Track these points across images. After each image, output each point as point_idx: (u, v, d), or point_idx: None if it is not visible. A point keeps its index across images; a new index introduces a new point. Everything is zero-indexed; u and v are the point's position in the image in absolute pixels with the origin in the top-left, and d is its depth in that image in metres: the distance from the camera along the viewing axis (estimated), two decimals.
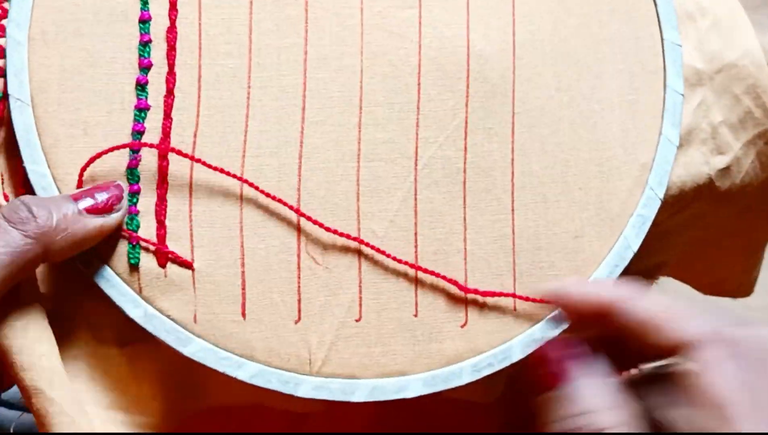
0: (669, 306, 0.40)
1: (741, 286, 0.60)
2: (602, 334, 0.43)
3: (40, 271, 0.43)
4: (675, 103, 0.49)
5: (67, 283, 0.44)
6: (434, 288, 0.45)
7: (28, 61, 0.44)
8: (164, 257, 0.43)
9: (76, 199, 0.42)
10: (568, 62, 0.48)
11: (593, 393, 0.40)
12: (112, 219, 0.42)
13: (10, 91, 0.43)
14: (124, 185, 0.43)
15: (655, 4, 0.49)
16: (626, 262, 0.47)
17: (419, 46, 0.46)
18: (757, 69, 0.52)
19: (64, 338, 0.43)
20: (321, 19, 0.46)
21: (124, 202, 0.43)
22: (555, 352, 0.43)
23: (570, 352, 0.43)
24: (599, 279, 0.46)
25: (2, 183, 0.44)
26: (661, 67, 0.49)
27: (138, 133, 0.44)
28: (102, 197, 0.42)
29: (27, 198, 0.41)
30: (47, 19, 0.44)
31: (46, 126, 0.43)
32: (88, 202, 0.42)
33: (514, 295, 0.46)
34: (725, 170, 0.51)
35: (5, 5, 0.44)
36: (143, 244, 0.43)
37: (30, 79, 0.43)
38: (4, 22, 0.44)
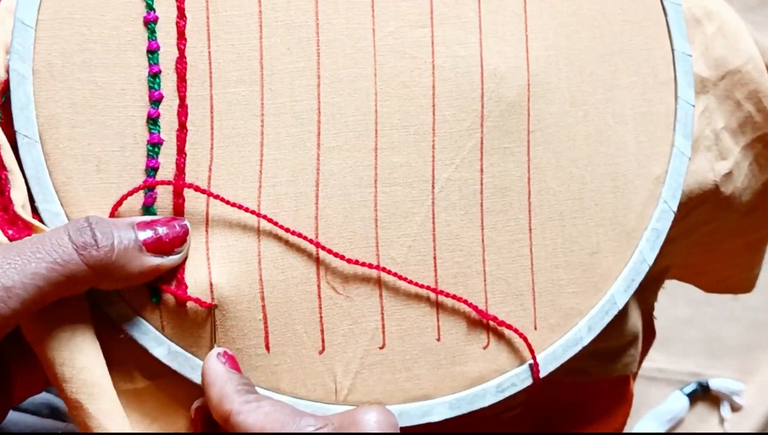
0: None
1: (744, 283, 0.61)
2: None
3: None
4: (687, 115, 0.49)
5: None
6: (455, 311, 0.45)
7: (34, 95, 0.42)
8: (183, 296, 0.42)
9: (140, 228, 0.41)
10: (582, 76, 0.47)
11: None
12: (171, 260, 0.42)
13: (16, 127, 0.42)
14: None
15: (665, 14, 0.49)
16: (642, 277, 0.48)
17: (432, 67, 0.45)
18: (760, 74, 0.52)
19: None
20: (333, 42, 0.45)
21: (187, 245, 0.42)
22: None
23: None
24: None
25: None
26: (672, 77, 0.49)
27: (152, 169, 0.43)
28: (166, 234, 0.41)
29: (93, 219, 0.40)
30: (52, 50, 0.42)
31: (58, 163, 0.42)
32: (149, 236, 0.41)
33: (520, 335, 0.46)
34: (728, 175, 0.52)
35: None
36: (162, 282, 0.42)
37: (37, 114, 0.42)
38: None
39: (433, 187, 0.45)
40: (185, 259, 0.43)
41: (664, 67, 0.49)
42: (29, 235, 0.40)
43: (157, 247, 0.41)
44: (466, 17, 0.46)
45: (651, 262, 0.48)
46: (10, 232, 0.40)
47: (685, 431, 0.92)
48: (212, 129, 0.43)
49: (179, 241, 0.42)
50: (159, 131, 0.43)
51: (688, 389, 0.93)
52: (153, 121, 0.43)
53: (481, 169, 0.46)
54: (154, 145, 0.43)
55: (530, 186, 0.46)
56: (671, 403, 0.92)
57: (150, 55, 0.43)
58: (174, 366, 0.42)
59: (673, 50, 0.49)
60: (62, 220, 0.42)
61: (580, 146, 0.47)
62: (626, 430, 0.56)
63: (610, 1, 0.48)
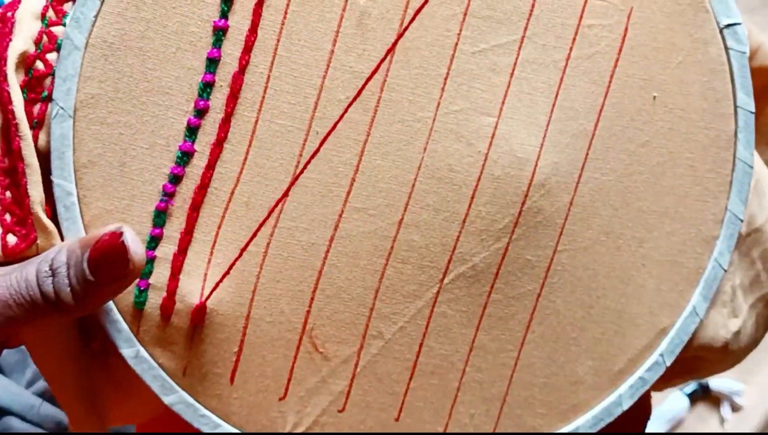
0: None
1: None
2: None
3: None
4: (715, 277, 0.47)
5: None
6: (424, 398, 0.45)
7: (80, 68, 0.40)
8: (169, 311, 0.42)
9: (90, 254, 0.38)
10: (628, 210, 0.46)
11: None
12: (126, 279, 0.38)
13: (55, 96, 0.40)
14: (147, 226, 0.41)
15: (733, 170, 0.47)
16: (611, 419, 0.47)
17: (485, 159, 0.44)
18: None
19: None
20: (394, 103, 0.43)
21: (137, 258, 0.38)
22: None
23: None
24: None
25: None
26: (715, 236, 0.47)
27: (175, 176, 0.41)
28: (105, 265, 0.38)
29: (57, 264, 0.38)
30: (113, 28, 0.40)
31: (84, 143, 0.41)
32: (96, 271, 0.38)
33: None
34: (737, 333, 0.51)
35: (66, 6, 0.41)
36: (151, 291, 0.42)
37: (78, 89, 0.40)
38: (56, 29, 0.40)
39: (443, 277, 0.44)
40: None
41: (712, 224, 0.47)
42: (34, 239, 0.39)
43: (104, 275, 0.38)
44: (536, 118, 0.44)
45: (626, 407, 0.47)
46: (15, 238, 0.39)
47: (685, 431, 0.92)
48: (247, 154, 0.42)
49: (122, 263, 0.38)
50: (194, 141, 0.41)
51: (688, 389, 0.92)
52: (191, 130, 0.41)
53: (497, 274, 0.45)
54: (185, 154, 0.41)
55: (538, 302, 0.46)
56: (671, 403, 0.92)
57: (208, 62, 0.41)
58: (137, 370, 0.42)
59: (726, 210, 0.47)
60: (73, 200, 0.41)
61: (601, 278, 0.46)
62: None
63: (681, 142, 0.46)
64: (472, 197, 0.44)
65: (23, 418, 0.59)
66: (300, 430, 0.44)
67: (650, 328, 0.47)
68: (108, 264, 0.38)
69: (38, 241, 0.40)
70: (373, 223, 0.43)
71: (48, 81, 0.41)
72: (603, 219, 0.46)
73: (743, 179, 0.47)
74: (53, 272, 0.38)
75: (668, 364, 0.48)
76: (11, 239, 0.40)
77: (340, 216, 0.43)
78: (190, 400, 0.43)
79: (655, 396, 0.91)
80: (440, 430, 0.46)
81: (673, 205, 0.47)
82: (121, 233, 0.38)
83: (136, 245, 0.38)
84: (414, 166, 0.43)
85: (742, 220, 0.48)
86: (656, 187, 0.46)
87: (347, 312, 0.44)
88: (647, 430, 0.90)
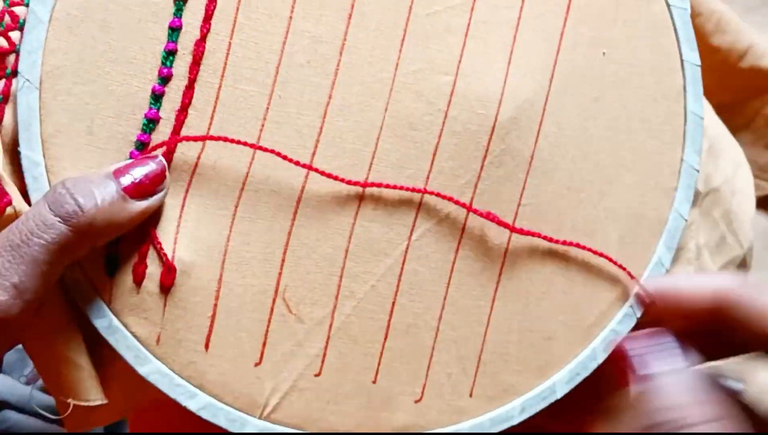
0: None
1: None
2: (692, 328, 0.41)
3: None
4: (677, 227, 0.49)
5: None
6: (400, 359, 0.45)
7: (45, 41, 0.41)
8: (140, 276, 0.42)
9: (118, 175, 0.40)
10: (587, 163, 0.47)
11: (679, 387, 0.39)
12: (155, 200, 0.41)
13: (20, 69, 0.41)
14: None
15: (685, 123, 0.49)
16: (588, 373, 0.48)
17: (445, 116, 0.45)
18: (731, 195, 0.52)
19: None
20: (354, 66, 0.44)
21: (167, 181, 0.42)
22: (635, 345, 0.42)
23: (651, 345, 0.41)
24: (706, 272, 0.44)
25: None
26: (674, 187, 0.49)
27: (142, 143, 0.42)
28: (145, 176, 0.41)
29: (70, 183, 0.39)
30: (76, 2, 0.42)
31: (50, 114, 0.41)
32: (129, 182, 0.40)
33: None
34: None
35: None
36: (121, 256, 0.42)
37: (43, 62, 0.41)
38: (18, 9, 0.42)
39: (411, 233, 0.45)
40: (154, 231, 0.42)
41: (669, 175, 0.49)
42: (9, 202, 0.40)
43: (139, 191, 0.41)
44: (492, 75, 0.45)
45: (600, 361, 0.48)
46: None
47: None
48: (212, 119, 0.43)
49: (159, 179, 0.41)
50: (159, 108, 0.42)
51: None
52: (156, 97, 0.42)
53: (463, 229, 0.46)
54: (150, 121, 0.42)
55: (505, 257, 0.46)
56: None
57: (170, 32, 0.42)
58: (111, 340, 0.42)
59: (682, 161, 0.49)
60: (41, 171, 0.41)
61: (565, 232, 0.47)
62: None
63: (634, 97, 0.48)
64: (434, 153, 0.45)
65: (21, 410, 0.58)
66: (278, 396, 0.44)
67: (617, 281, 0.48)
68: (149, 183, 0.41)
69: (14, 204, 0.40)
70: (339, 184, 0.44)
71: (11, 58, 0.42)
72: (563, 172, 0.47)
73: (696, 130, 0.49)
74: (69, 192, 0.39)
75: (638, 315, 0.48)
76: None
77: (306, 177, 0.44)
78: (165, 369, 0.43)
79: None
80: (417, 390, 0.46)
81: (630, 158, 0.48)
82: (161, 159, 0.42)
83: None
84: (376, 126, 0.44)
85: (698, 171, 0.49)
86: (612, 140, 0.48)
87: (318, 272, 0.44)
88: None
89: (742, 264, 0.55)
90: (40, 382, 0.60)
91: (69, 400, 0.42)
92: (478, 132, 0.45)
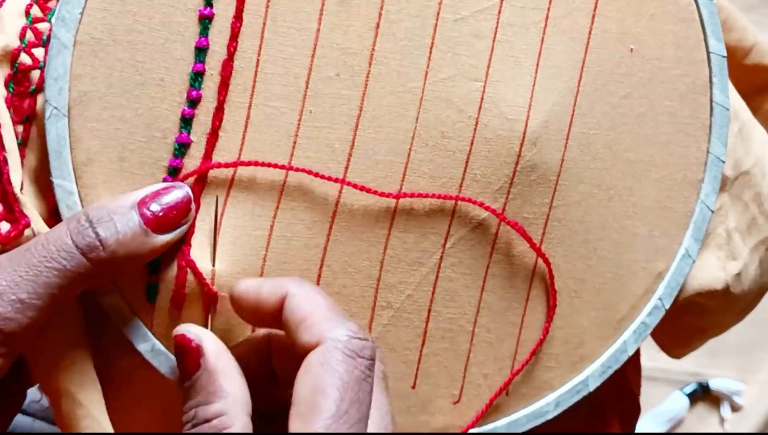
0: (320, 306, 0.38)
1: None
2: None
3: None
4: (704, 218, 0.49)
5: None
6: (437, 364, 0.46)
7: (70, 67, 0.40)
8: (180, 304, 0.42)
9: (141, 205, 0.39)
10: (616, 161, 0.47)
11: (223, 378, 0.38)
12: (178, 234, 0.41)
13: (47, 97, 0.40)
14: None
15: (711, 114, 0.49)
16: (619, 365, 0.49)
17: (476, 123, 0.44)
18: (762, 177, 0.52)
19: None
20: (383, 76, 0.43)
21: (192, 212, 0.41)
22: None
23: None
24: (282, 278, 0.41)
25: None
26: (700, 179, 0.49)
27: (174, 168, 0.42)
28: (169, 208, 0.40)
29: (93, 214, 0.39)
30: (100, 24, 0.40)
31: (81, 141, 0.41)
32: (151, 215, 0.39)
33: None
34: (738, 276, 0.52)
35: (51, 3, 0.41)
36: (162, 285, 0.42)
37: (70, 88, 0.40)
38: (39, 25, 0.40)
39: (445, 241, 0.45)
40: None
41: (695, 167, 0.49)
42: (27, 224, 0.39)
43: (162, 224, 0.40)
44: (522, 80, 0.45)
45: (631, 353, 0.49)
46: (8, 225, 0.39)
47: (685, 431, 0.93)
48: (243, 140, 0.42)
49: (184, 211, 0.41)
50: (189, 132, 0.42)
51: (688, 389, 0.93)
52: (186, 120, 0.41)
53: (496, 235, 0.46)
54: (181, 145, 0.42)
55: (538, 259, 0.47)
56: (671, 403, 0.93)
57: (197, 51, 0.41)
58: (155, 363, 0.43)
59: (708, 153, 0.49)
60: (75, 199, 0.41)
61: (595, 229, 0.47)
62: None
63: (660, 91, 0.48)
64: (467, 162, 0.45)
65: (25, 412, 0.59)
66: None
67: (647, 273, 0.48)
68: (173, 216, 0.40)
69: (32, 226, 0.40)
70: (372, 196, 0.44)
71: (35, 75, 0.41)
72: (593, 172, 0.47)
73: (722, 122, 0.49)
74: (91, 223, 0.38)
75: (667, 307, 0.49)
76: (4, 226, 0.40)
77: (340, 192, 0.44)
78: None
79: (656, 396, 0.92)
80: (455, 393, 0.46)
81: (657, 153, 0.48)
82: (187, 190, 0.41)
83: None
84: (408, 137, 0.44)
85: (723, 162, 0.49)
86: (640, 136, 0.47)
87: (355, 286, 0.44)
88: (648, 431, 0.91)
89: None
90: None
91: None
92: (509, 138, 0.45)
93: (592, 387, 0.48)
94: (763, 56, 0.55)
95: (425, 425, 0.46)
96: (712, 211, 0.49)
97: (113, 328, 0.43)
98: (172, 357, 0.43)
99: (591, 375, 0.48)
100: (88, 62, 0.41)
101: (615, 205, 0.47)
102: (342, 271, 0.44)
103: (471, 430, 0.47)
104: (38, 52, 0.41)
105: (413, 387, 0.46)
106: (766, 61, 0.55)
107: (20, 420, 0.59)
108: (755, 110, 0.55)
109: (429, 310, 0.45)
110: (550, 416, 0.48)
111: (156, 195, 0.40)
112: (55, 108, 0.40)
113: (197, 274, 0.42)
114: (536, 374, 0.48)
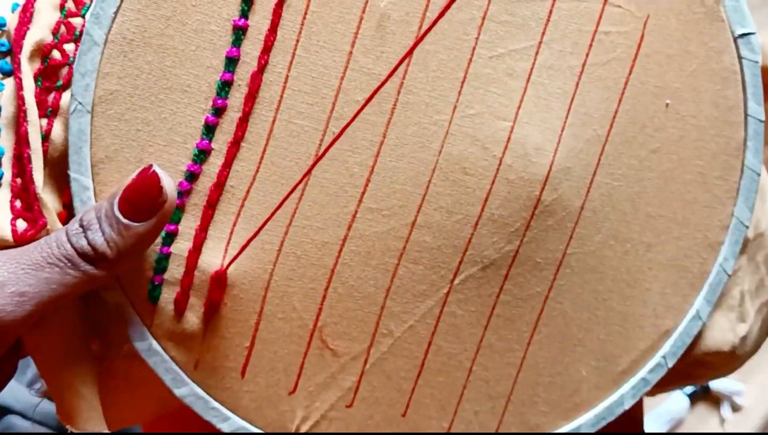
0: None
1: None
2: None
3: None
4: (719, 281, 0.48)
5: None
6: (431, 395, 0.46)
7: (99, 64, 0.40)
8: (182, 308, 0.42)
9: (117, 200, 0.39)
10: (637, 216, 0.46)
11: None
12: (162, 215, 0.39)
13: (73, 91, 0.40)
14: None
15: (741, 177, 0.48)
16: (613, 418, 0.48)
17: (499, 163, 0.44)
18: None
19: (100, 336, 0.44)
20: (411, 105, 0.43)
21: (169, 197, 0.39)
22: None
23: None
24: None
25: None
26: (720, 242, 0.48)
27: (192, 174, 0.42)
28: (133, 191, 0.39)
29: (86, 219, 0.39)
30: (133, 25, 0.40)
31: (101, 138, 0.41)
32: (125, 203, 0.39)
33: None
34: (744, 338, 0.52)
35: None
36: (165, 287, 0.42)
37: (97, 85, 0.40)
38: (73, 20, 0.40)
39: (454, 277, 0.45)
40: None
41: (718, 229, 0.48)
42: (44, 224, 0.40)
43: (135, 210, 0.39)
44: (551, 124, 0.44)
45: (627, 407, 0.48)
46: (24, 224, 0.40)
47: (685, 431, 0.92)
48: (263, 153, 0.42)
49: (151, 190, 0.39)
50: (211, 139, 0.42)
51: (688, 389, 0.92)
52: (208, 128, 0.41)
53: (506, 276, 0.45)
54: (202, 152, 0.42)
55: (545, 304, 0.46)
56: (671, 403, 0.92)
57: (227, 62, 0.41)
58: (150, 362, 0.43)
59: (733, 215, 0.48)
60: (89, 195, 0.41)
61: (607, 281, 0.47)
62: None
63: (691, 149, 0.47)
64: (486, 200, 0.44)
65: (24, 416, 0.60)
66: (308, 424, 0.45)
67: (654, 330, 0.48)
68: (140, 197, 0.39)
69: (48, 227, 0.40)
70: (386, 224, 0.44)
71: (64, 71, 0.41)
72: (612, 223, 0.46)
73: (750, 187, 0.48)
74: (84, 228, 0.39)
75: (670, 365, 0.48)
76: (21, 225, 0.40)
77: (354, 216, 0.43)
78: (201, 392, 0.44)
79: (656, 396, 0.91)
80: (445, 425, 0.46)
81: (681, 211, 0.47)
82: (151, 166, 0.39)
83: (167, 178, 0.39)
84: (429, 169, 0.44)
85: (747, 227, 0.48)
86: (665, 192, 0.47)
87: (358, 310, 0.44)
88: (647, 431, 0.90)
89: None
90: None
91: (67, 427, 0.42)
92: (531, 181, 0.44)
93: None
94: (765, 58, 0.53)
95: None
96: (729, 275, 0.48)
97: (112, 325, 0.44)
98: (168, 360, 0.43)
99: (584, 424, 0.48)
100: (117, 61, 0.40)
101: (630, 258, 0.47)
102: (347, 295, 0.44)
103: None
104: (68, 47, 0.41)
105: (403, 415, 0.46)
106: (765, 62, 0.53)
107: (20, 424, 0.60)
108: None
109: (429, 343, 0.45)
110: None
111: (127, 185, 0.39)
112: (80, 103, 0.40)
113: (210, 285, 0.42)
114: (528, 417, 0.47)
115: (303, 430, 0.45)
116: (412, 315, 0.45)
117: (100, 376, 0.44)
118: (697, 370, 0.52)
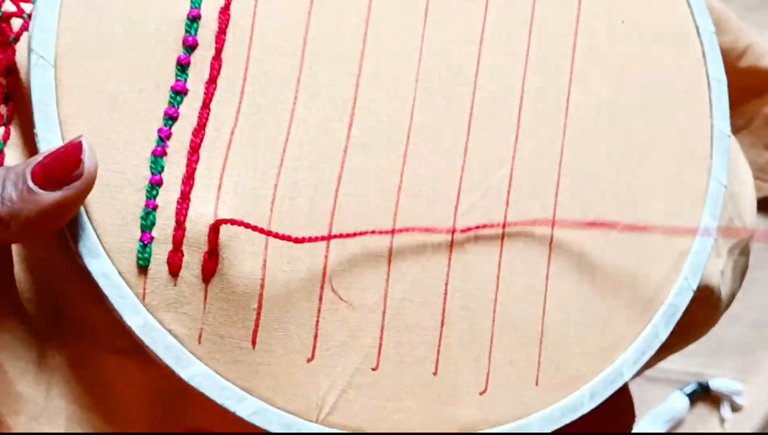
0: None
1: None
2: None
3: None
4: (717, 194, 0.47)
5: (65, 268, 0.38)
6: (459, 346, 0.41)
7: (59, 15, 0.38)
8: (177, 265, 0.38)
9: (35, 165, 0.35)
10: (621, 133, 0.46)
11: None
12: (73, 190, 0.35)
13: (33, 45, 0.37)
14: (145, 174, 0.38)
15: (709, 90, 0.48)
16: (653, 351, 0.45)
17: (474, 87, 0.43)
18: (734, 177, 0.51)
19: (52, 329, 0.38)
20: (381, 37, 0.42)
21: (88, 165, 0.35)
22: None
23: None
24: None
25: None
26: (708, 154, 0.47)
27: (170, 117, 0.38)
28: (51, 158, 0.35)
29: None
30: None
31: (68, 93, 0.38)
32: (38, 168, 0.35)
33: None
34: (722, 273, 0.50)
35: None
36: (155, 245, 0.38)
37: (58, 37, 0.38)
38: None
39: (456, 208, 0.42)
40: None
41: (702, 141, 0.47)
42: None
43: (46, 177, 0.35)
44: (515, 47, 0.44)
45: (663, 338, 0.45)
46: None
47: (685, 431, 0.89)
48: (243, 92, 0.40)
49: (69, 161, 0.35)
50: (186, 80, 0.39)
51: (688, 389, 0.89)
52: (182, 67, 0.39)
53: (507, 202, 0.43)
54: (177, 94, 0.39)
55: (553, 231, 0.44)
56: (671, 403, 0.88)
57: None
58: (147, 341, 0.37)
59: (712, 128, 0.48)
60: None
61: (609, 204, 0.45)
62: None
63: (657, 66, 0.47)
64: (469, 127, 0.43)
65: None
66: (334, 396, 0.39)
67: (669, 252, 0.46)
68: (57, 166, 0.35)
69: None
70: (378, 157, 0.41)
71: (18, 23, 0.38)
72: (599, 144, 0.45)
73: (720, 96, 0.48)
74: None
75: (694, 287, 0.46)
76: None
77: (345, 152, 0.41)
78: (209, 371, 0.38)
79: (655, 396, 0.88)
80: (482, 381, 0.42)
81: (662, 126, 0.47)
82: (79, 139, 0.36)
83: (90, 152, 0.35)
84: (409, 99, 0.42)
85: (728, 136, 0.48)
86: (641, 107, 0.46)
87: (367, 255, 0.40)
88: (647, 431, 0.86)
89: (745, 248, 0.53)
90: None
91: None
92: (507, 103, 0.43)
93: (627, 376, 0.44)
94: (758, 58, 0.55)
95: (451, 419, 0.41)
96: (725, 187, 0.47)
97: (98, 326, 0.39)
98: (167, 335, 0.38)
99: (624, 363, 0.44)
100: (77, 11, 0.38)
101: (627, 179, 0.45)
102: (351, 239, 0.40)
103: (501, 430, 0.42)
104: (26, 6, 0.39)
105: (435, 373, 0.41)
106: (762, 63, 0.55)
107: None
108: (751, 115, 0.54)
109: (446, 284, 0.41)
110: (585, 409, 0.43)
111: (48, 153, 0.36)
112: (41, 57, 0.37)
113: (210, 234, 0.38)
114: (567, 363, 0.43)
115: (329, 401, 0.39)
116: (421, 254, 0.41)
117: (86, 380, 0.38)
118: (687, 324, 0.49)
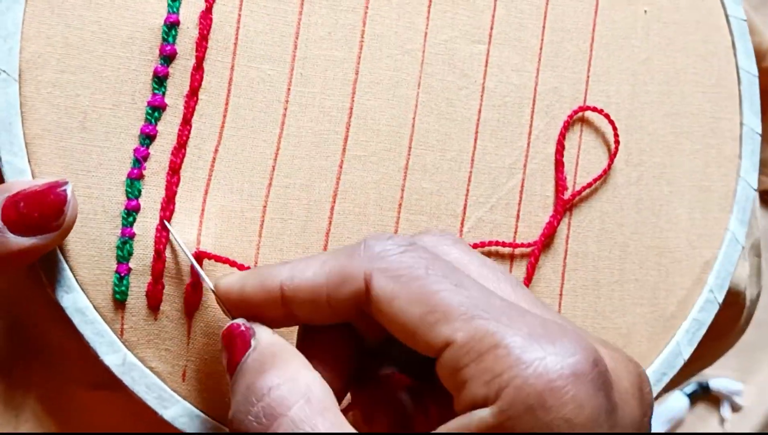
0: None
1: None
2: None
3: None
4: (747, 198, 0.43)
5: (34, 297, 0.35)
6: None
7: (23, 24, 0.34)
8: (158, 297, 0.35)
9: (8, 200, 0.32)
10: (642, 133, 0.42)
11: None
12: (48, 239, 0.32)
13: None
14: (120, 199, 0.35)
15: (739, 83, 0.44)
16: (675, 371, 0.42)
17: (482, 89, 0.39)
18: None
19: (26, 364, 0.36)
20: (379, 37, 0.38)
21: (67, 216, 0.32)
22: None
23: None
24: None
25: None
26: (737, 154, 0.44)
27: (147, 136, 0.35)
28: (30, 207, 0.32)
29: None
30: None
31: (35, 110, 0.34)
32: (11, 210, 0.32)
33: None
34: (748, 277, 0.47)
35: None
36: (133, 277, 0.35)
37: (22, 48, 0.34)
38: None
39: (462, 224, 0.39)
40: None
41: (730, 141, 0.44)
42: None
43: (20, 224, 0.32)
44: (527, 42, 0.40)
45: (687, 356, 0.42)
46: None
47: (685, 431, 0.89)
48: (227, 104, 0.36)
49: (50, 212, 0.32)
50: (164, 93, 0.35)
51: (688, 389, 0.89)
52: (159, 80, 0.35)
53: (518, 216, 0.40)
54: (155, 109, 0.35)
55: (568, 245, 0.40)
56: (671, 403, 0.88)
57: (170, 2, 0.36)
58: (126, 380, 0.35)
59: (742, 125, 0.44)
60: (27, 179, 0.34)
61: (629, 210, 0.41)
62: None
63: (683, 58, 0.43)
64: (477, 133, 0.39)
65: None
66: None
67: (693, 263, 0.42)
68: (33, 210, 0.32)
69: None
70: (377, 172, 0.38)
71: None
72: (618, 146, 0.41)
73: (751, 90, 0.44)
74: None
75: (720, 300, 0.42)
76: None
77: (341, 167, 0.37)
78: (195, 411, 0.35)
79: (655, 396, 0.88)
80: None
81: (687, 125, 0.43)
82: (64, 184, 0.32)
83: (74, 202, 0.32)
84: (410, 105, 0.39)
85: (759, 134, 0.44)
86: (665, 105, 0.43)
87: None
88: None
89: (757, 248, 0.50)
90: None
91: None
92: (519, 105, 0.40)
93: None
94: (765, 55, 0.51)
95: None
96: (755, 190, 0.44)
97: (70, 361, 0.36)
98: (148, 372, 0.35)
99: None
100: (43, 19, 0.35)
101: (648, 183, 0.42)
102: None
103: None
104: None
105: None
106: (764, 63, 0.52)
107: None
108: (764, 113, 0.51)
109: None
110: None
111: (30, 191, 0.32)
112: (4, 71, 0.34)
113: (195, 264, 0.34)
114: None
115: None
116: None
117: (57, 415, 0.36)
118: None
